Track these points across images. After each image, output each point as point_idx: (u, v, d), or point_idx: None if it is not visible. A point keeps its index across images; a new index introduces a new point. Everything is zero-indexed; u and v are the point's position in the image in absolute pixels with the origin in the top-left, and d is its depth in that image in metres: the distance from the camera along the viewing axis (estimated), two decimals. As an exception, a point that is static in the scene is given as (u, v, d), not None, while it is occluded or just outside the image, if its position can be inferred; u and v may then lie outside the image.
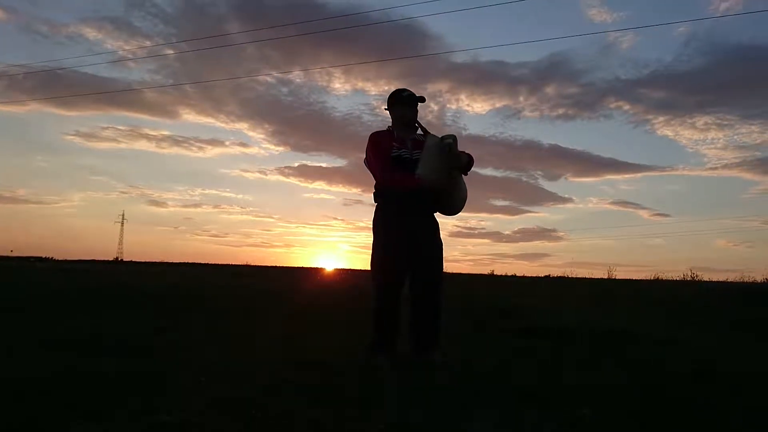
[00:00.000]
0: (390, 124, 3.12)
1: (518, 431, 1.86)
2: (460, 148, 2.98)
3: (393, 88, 3.15)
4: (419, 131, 3.10)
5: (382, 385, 2.44)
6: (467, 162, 3.04)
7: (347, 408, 2.03)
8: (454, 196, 3.07)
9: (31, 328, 3.98)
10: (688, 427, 1.97)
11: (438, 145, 2.90)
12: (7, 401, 2.02)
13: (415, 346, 2.97)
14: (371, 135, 3.05)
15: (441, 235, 3.07)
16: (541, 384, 2.56)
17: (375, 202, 3.06)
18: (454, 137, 2.90)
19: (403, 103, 3.03)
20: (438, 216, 3.12)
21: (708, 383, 2.69)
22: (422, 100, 3.04)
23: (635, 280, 29.22)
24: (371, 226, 3.05)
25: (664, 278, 24.86)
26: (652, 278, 25.71)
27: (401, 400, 2.20)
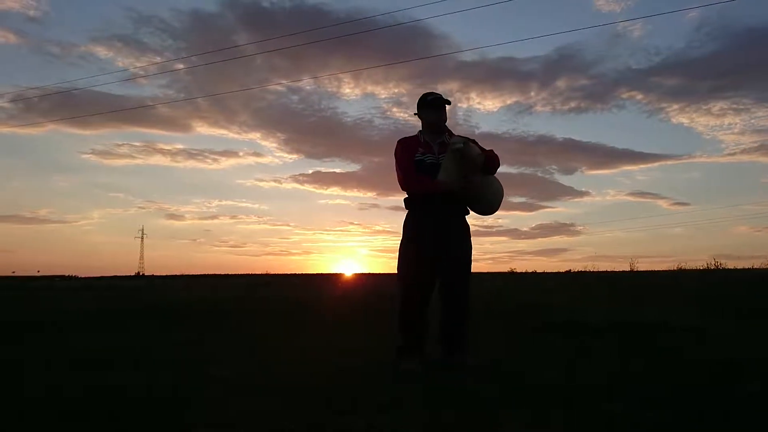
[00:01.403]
0: (420, 129, 3.15)
1: (550, 430, 1.86)
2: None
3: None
4: (448, 134, 3.11)
5: (412, 389, 2.45)
6: (483, 162, 2.98)
7: (378, 414, 2.05)
8: (480, 197, 3.06)
9: (62, 346, 4.06)
10: (722, 418, 1.95)
11: (451, 150, 2.90)
12: (52, 421, 2.07)
13: (446, 349, 2.98)
14: (398, 141, 3.10)
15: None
16: (571, 381, 2.56)
17: (406, 208, 3.09)
18: (464, 141, 2.89)
19: (428, 106, 3.06)
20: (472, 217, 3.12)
21: (742, 374, 2.66)
22: (448, 102, 3.07)
23: (658, 271, 28.73)
24: (399, 229, 3.07)
25: (688, 268, 24.37)
26: (675, 269, 25.19)
27: (432, 402, 2.21)
